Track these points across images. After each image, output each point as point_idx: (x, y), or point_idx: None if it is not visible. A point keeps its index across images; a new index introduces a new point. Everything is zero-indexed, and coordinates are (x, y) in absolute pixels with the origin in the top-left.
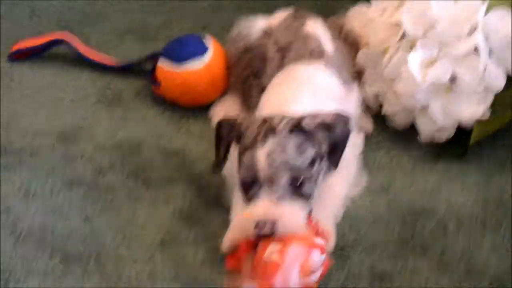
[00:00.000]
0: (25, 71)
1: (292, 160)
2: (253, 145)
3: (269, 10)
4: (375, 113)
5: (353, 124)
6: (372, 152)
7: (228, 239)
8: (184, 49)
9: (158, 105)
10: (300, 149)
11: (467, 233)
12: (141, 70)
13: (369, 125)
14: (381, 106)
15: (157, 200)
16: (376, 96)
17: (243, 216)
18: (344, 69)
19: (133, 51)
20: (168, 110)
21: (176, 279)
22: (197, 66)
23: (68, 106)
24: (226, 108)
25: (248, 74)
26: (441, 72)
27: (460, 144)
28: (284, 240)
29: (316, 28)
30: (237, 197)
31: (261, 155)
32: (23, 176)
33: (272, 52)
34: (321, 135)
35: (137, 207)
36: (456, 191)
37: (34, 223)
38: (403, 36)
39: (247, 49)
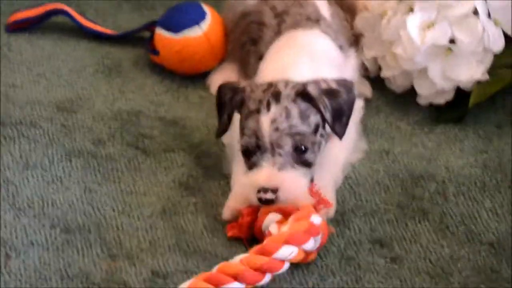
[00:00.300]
0: (23, 42)
1: (296, 126)
2: (257, 110)
3: None
4: (374, 77)
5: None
6: (371, 117)
7: (229, 206)
8: (182, 16)
9: (156, 74)
10: (304, 116)
11: (466, 197)
12: (139, 39)
13: (367, 90)
14: (380, 69)
15: (157, 169)
16: (375, 60)
17: (245, 182)
18: (341, 34)
19: (130, 20)
20: (167, 79)
21: (177, 247)
22: (195, 33)
23: (66, 77)
24: (224, 76)
25: (246, 40)
26: (440, 34)
27: (459, 107)
28: (284, 210)
29: None
30: (237, 165)
31: (266, 120)
32: (22, 148)
33: (269, 18)
34: (326, 102)
35: (137, 176)
36: (455, 155)
37: (33, 194)
38: None
39: (245, 15)
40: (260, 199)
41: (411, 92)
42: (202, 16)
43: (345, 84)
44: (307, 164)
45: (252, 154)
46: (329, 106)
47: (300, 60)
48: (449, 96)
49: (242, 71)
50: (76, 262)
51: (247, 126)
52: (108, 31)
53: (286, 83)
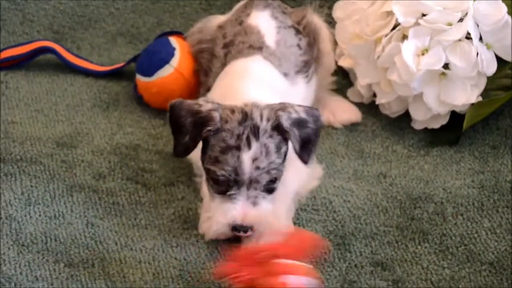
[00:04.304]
0: (20, 79)
1: (274, 162)
2: (237, 147)
3: None
4: (369, 103)
5: None
6: (368, 142)
7: (209, 230)
8: (152, 59)
9: (153, 108)
10: (279, 149)
11: (465, 218)
12: (133, 73)
13: (354, 115)
14: (374, 95)
15: (158, 203)
16: (369, 86)
17: (219, 219)
18: (286, 61)
19: (125, 54)
20: (163, 112)
21: (180, 278)
22: (167, 72)
23: (64, 112)
24: None
25: (200, 69)
26: (434, 59)
27: (453, 129)
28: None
29: (259, 19)
30: (206, 186)
31: (247, 159)
32: (23, 184)
33: (218, 49)
34: (296, 133)
35: (138, 210)
36: (452, 176)
37: (37, 230)
38: (396, 25)
39: (200, 42)
40: (236, 235)
41: (406, 116)
42: (171, 53)
43: (313, 113)
44: (273, 191)
45: (227, 186)
46: (298, 136)
47: (243, 86)
48: (444, 121)
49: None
50: None
51: (226, 160)
52: (95, 67)
53: (260, 111)
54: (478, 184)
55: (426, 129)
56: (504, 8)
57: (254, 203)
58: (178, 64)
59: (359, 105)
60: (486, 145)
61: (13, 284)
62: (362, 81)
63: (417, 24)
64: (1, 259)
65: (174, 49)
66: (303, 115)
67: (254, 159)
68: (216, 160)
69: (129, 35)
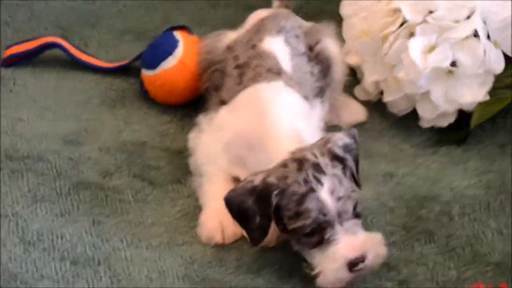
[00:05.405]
0: (27, 76)
1: (349, 188)
2: (311, 190)
3: (263, 6)
4: (375, 101)
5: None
6: (374, 141)
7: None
8: (155, 52)
9: (160, 104)
10: (346, 174)
11: (471, 218)
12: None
13: (360, 115)
14: (381, 93)
15: (164, 200)
16: (377, 84)
17: (330, 265)
18: (304, 86)
19: (132, 51)
20: (170, 109)
21: (186, 277)
22: (170, 63)
23: (71, 109)
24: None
25: (209, 86)
26: (441, 57)
27: (461, 128)
28: None
29: (274, 45)
30: (208, 186)
31: (326, 194)
32: (30, 182)
33: (230, 68)
34: (348, 157)
35: (144, 208)
36: (458, 176)
37: (42, 228)
38: (403, 22)
39: (210, 64)
40: (354, 271)
41: (413, 115)
42: (174, 45)
43: (352, 134)
44: (361, 216)
45: (321, 233)
46: (351, 160)
47: (276, 114)
48: (451, 119)
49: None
50: None
51: (307, 208)
52: (103, 63)
53: (310, 151)
54: (485, 184)
55: (433, 127)
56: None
57: (354, 233)
58: (181, 55)
59: (366, 103)
60: (493, 144)
61: (18, 282)
62: (369, 78)
63: (424, 21)
64: (7, 256)
65: (177, 41)
66: (346, 139)
67: (332, 191)
68: (297, 215)
69: (136, 32)
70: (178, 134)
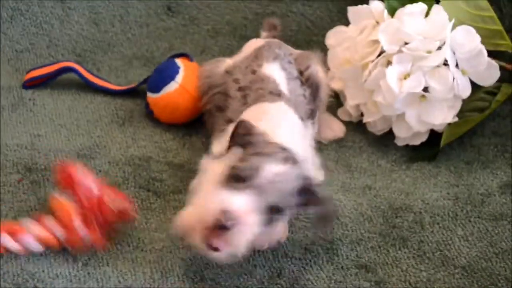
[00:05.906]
0: (45, 97)
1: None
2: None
3: (255, 36)
4: (357, 122)
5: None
6: (355, 157)
7: (184, 221)
8: (159, 77)
9: (163, 123)
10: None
11: (441, 226)
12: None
13: (339, 131)
14: (362, 115)
15: (167, 209)
16: (358, 107)
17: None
18: (300, 107)
19: (140, 75)
20: (173, 128)
21: (185, 277)
22: (172, 87)
23: (84, 127)
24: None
25: (212, 108)
26: (415, 83)
27: (432, 146)
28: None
29: (272, 70)
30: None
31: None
32: (47, 191)
33: (233, 91)
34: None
35: (148, 215)
36: (430, 189)
37: None
38: (381, 52)
39: (211, 87)
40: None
41: (390, 134)
42: (176, 71)
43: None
44: (277, 220)
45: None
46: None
47: (279, 127)
48: (424, 138)
49: (210, 131)
50: None
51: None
52: (113, 86)
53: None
54: (453, 196)
55: (407, 145)
56: (478, 38)
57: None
58: (182, 80)
59: (348, 123)
60: (461, 161)
61: (36, 280)
62: (351, 102)
63: (400, 51)
64: (26, 258)
65: (179, 67)
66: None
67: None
68: None
69: (144, 59)
70: (180, 150)
